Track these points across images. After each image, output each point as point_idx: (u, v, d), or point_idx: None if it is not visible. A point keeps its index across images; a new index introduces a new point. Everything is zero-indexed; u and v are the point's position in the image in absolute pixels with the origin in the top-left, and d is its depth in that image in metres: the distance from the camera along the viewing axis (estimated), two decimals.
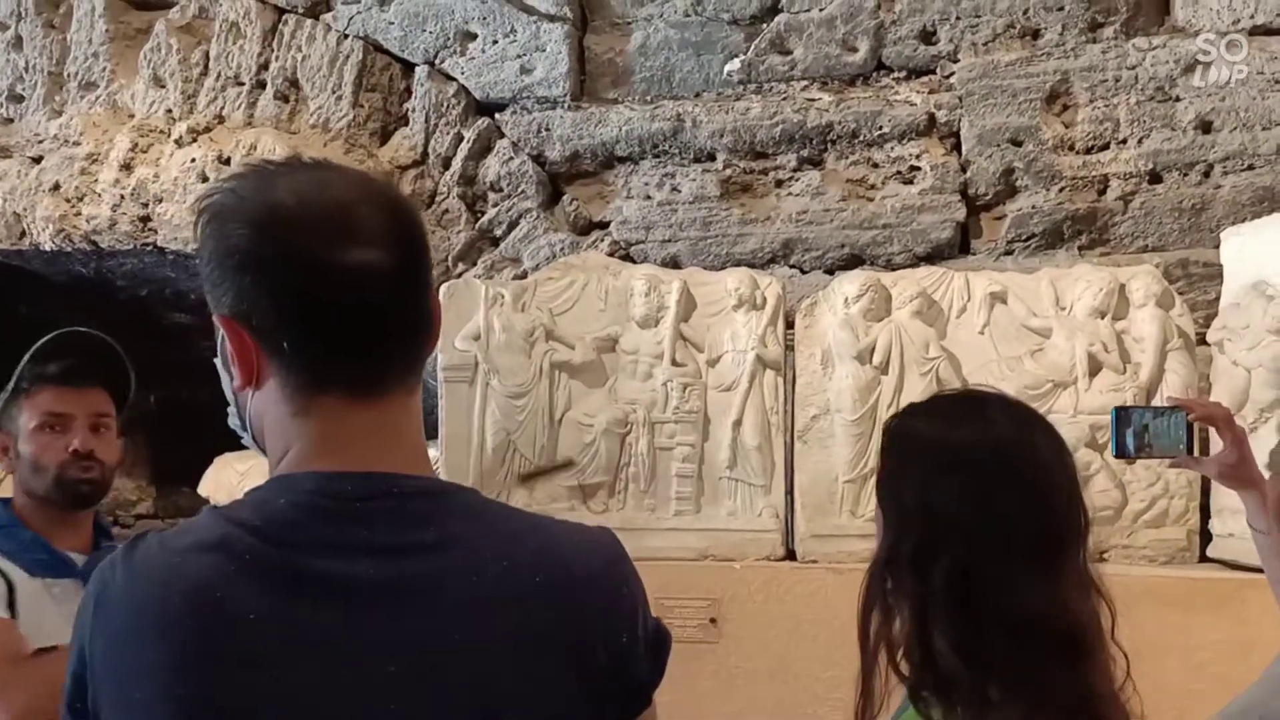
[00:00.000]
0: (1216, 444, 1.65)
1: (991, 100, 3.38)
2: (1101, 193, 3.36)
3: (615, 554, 0.95)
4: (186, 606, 0.83)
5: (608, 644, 0.89)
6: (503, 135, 3.75)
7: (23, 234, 4.08)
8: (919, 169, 3.47)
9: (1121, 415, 1.66)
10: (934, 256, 3.44)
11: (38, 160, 4.09)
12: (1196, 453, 1.67)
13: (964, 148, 3.44)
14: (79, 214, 3.95)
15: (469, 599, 0.86)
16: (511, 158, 3.73)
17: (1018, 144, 3.38)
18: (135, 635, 0.83)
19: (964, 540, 1.15)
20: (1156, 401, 2.77)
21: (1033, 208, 3.38)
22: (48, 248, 4.05)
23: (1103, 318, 2.96)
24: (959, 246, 3.49)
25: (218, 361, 0.96)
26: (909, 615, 1.17)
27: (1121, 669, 1.18)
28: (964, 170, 3.44)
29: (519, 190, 3.74)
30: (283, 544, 0.85)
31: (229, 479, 4.93)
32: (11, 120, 4.22)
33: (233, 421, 0.99)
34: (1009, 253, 3.43)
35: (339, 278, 0.87)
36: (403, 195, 1.01)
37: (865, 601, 1.21)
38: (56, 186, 3.98)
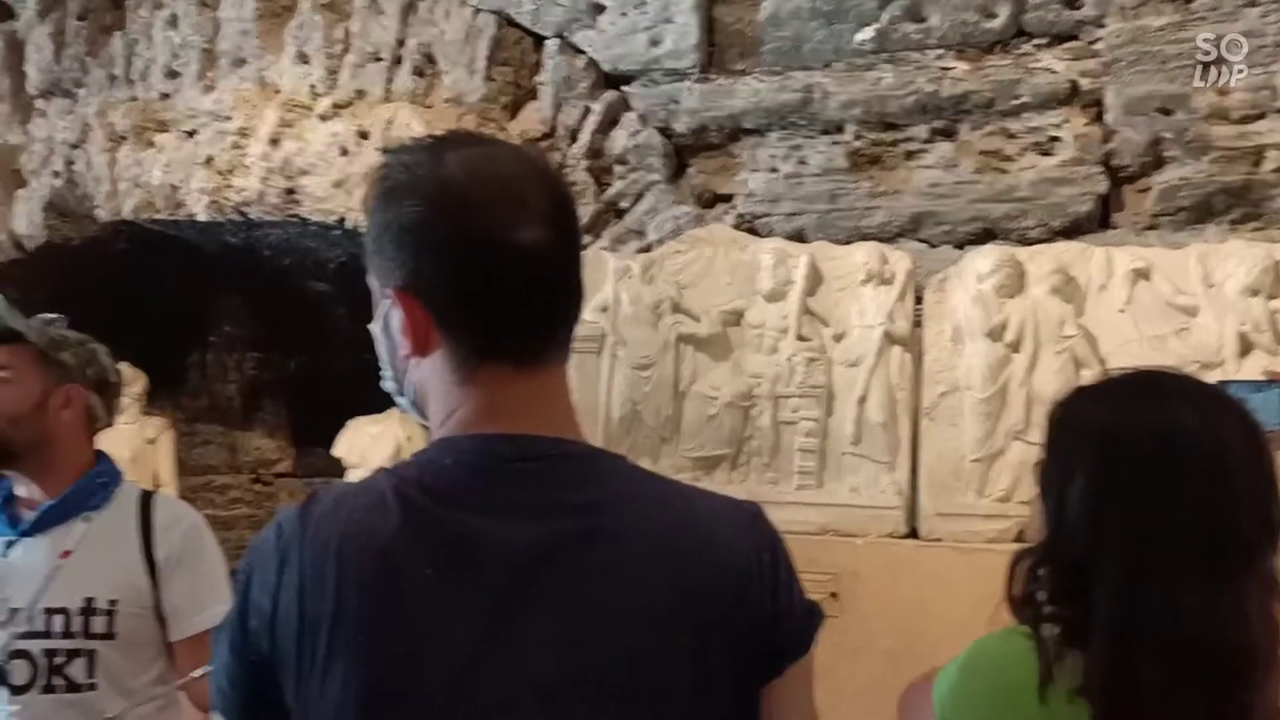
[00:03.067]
0: None
1: (1140, 67, 3.22)
2: (1257, 164, 3.18)
3: (758, 524, 0.97)
4: (366, 560, 0.87)
5: (747, 611, 0.92)
6: (630, 108, 3.78)
7: (179, 205, 4.32)
8: (1059, 139, 3.35)
9: None
10: (1072, 231, 3.32)
11: (192, 134, 4.31)
12: None
13: (1108, 117, 3.29)
14: (230, 186, 4.16)
15: (616, 559, 0.89)
16: (638, 130, 3.75)
17: (1167, 113, 3.22)
18: (318, 588, 0.87)
19: (1134, 548, 1.07)
20: None
21: (1181, 180, 3.22)
22: (202, 218, 4.28)
23: (1255, 296, 2.81)
24: (1099, 220, 3.35)
25: (374, 328, 0.99)
26: (1061, 633, 1.11)
27: None
28: (1107, 141, 3.30)
29: (645, 163, 3.76)
30: (449, 502, 0.89)
31: (362, 441, 5.15)
32: (168, 95, 4.46)
33: (387, 385, 1.03)
34: (1154, 227, 3.28)
35: (510, 254, 0.90)
36: (557, 170, 1.05)
37: (1021, 599, 1.16)
38: (210, 160, 4.19)
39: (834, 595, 2.88)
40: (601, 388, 3.18)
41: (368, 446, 5.11)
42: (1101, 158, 3.30)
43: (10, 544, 1.90)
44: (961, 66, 3.40)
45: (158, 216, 4.41)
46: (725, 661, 0.90)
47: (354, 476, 5.11)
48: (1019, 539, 2.88)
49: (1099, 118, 3.32)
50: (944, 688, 1.20)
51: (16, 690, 1.82)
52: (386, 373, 1.02)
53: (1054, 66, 3.32)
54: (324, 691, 0.86)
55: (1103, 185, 3.31)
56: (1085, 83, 3.30)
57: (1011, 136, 3.40)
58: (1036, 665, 1.09)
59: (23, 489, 1.95)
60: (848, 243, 3.33)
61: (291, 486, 6.22)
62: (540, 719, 0.86)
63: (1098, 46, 3.29)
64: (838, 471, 3.06)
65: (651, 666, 0.88)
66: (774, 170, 3.62)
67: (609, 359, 3.18)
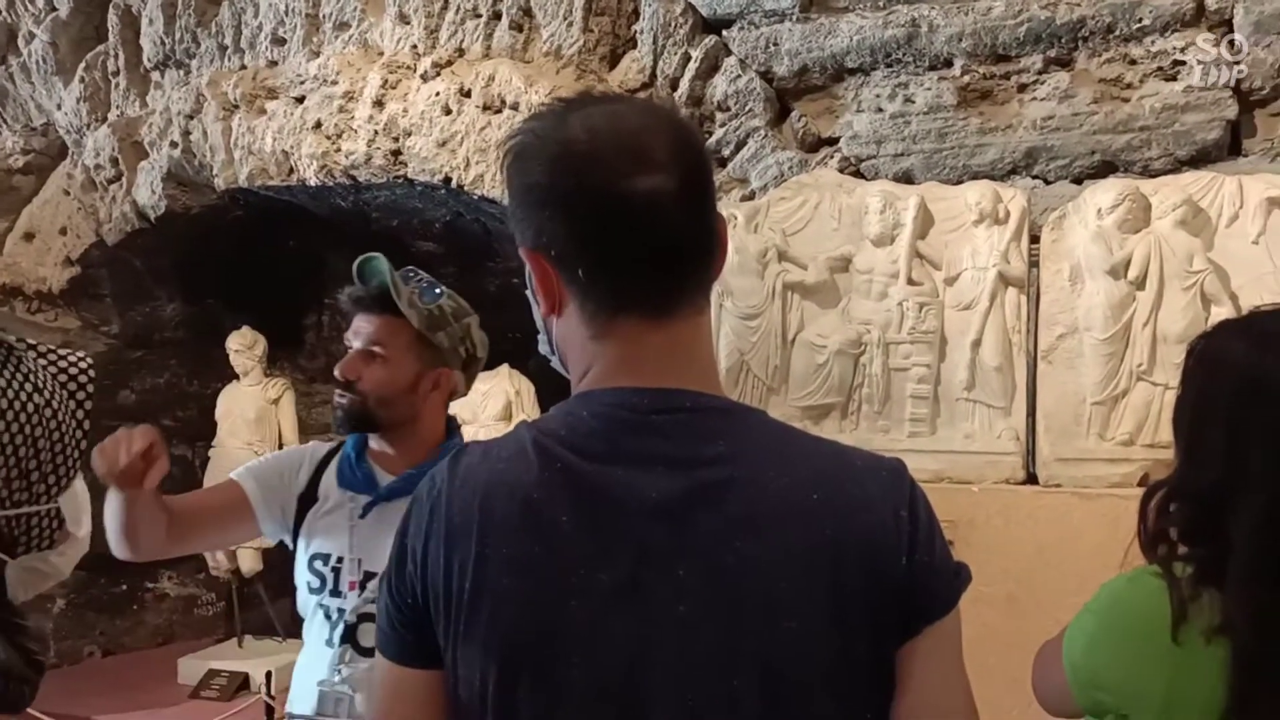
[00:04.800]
0: None
1: None
2: None
3: (897, 480, 0.96)
4: (508, 507, 0.91)
5: (882, 568, 0.91)
6: (730, 53, 3.71)
7: (291, 170, 4.43)
8: (1183, 64, 3.17)
9: None
10: (1199, 160, 3.15)
11: (300, 100, 4.40)
12: None
13: (1237, 37, 3.10)
14: (338, 150, 4.25)
15: (750, 512, 0.90)
16: (739, 75, 3.69)
17: None
18: (463, 532, 0.92)
19: (1273, 484, 1.04)
20: None
21: None
22: (312, 183, 4.39)
23: None
24: (1229, 148, 3.18)
25: (528, 292, 1.02)
26: (1195, 572, 1.08)
27: None
28: (1237, 63, 3.11)
29: (746, 109, 3.70)
30: (587, 454, 0.92)
31: (472, 398, 5.24)
32: (276, 63, 4.56)
33: (543, 348, 1.05)
34: None
35: (628, 205, 0.90)
36: (686, 119, 1.04)
37: (1152, 536, 1.13)
38: (318, 124, 4.28)
39: (950, 543, 2.84)
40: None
41: (478, 403, 5.23)
42: (1231, 81, 3.12)
43: (368, 506, 1.92)
44: None
45: (271, 183, 4.53)
46: (861, 614, 0.90)
47: (466, 433, 5.23)
48: (1144, 483, 2.80)
49: (1228, 38, 3.13)
50: (1074, 634, 1.18)
51: (363, 651, 1.86)
52: (541, 335, 1.04)
53: None
54: (470, 631, 0.91)
55: (1232, 110, 3.13)
56: (1212, 2, 3.11)
57: (1133, 62, 3.23)
58: (1169, 605, 1.06)
59: (376, 444, 1.98)
60: (958, 182, 3.24)
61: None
62: (678, 664, 0.88)
63: None
64: (951, 418, 3.01)
65: (787, 616, 0.89)
66: (879, 110, 3.52)
67: (715, 309, 3.17)
